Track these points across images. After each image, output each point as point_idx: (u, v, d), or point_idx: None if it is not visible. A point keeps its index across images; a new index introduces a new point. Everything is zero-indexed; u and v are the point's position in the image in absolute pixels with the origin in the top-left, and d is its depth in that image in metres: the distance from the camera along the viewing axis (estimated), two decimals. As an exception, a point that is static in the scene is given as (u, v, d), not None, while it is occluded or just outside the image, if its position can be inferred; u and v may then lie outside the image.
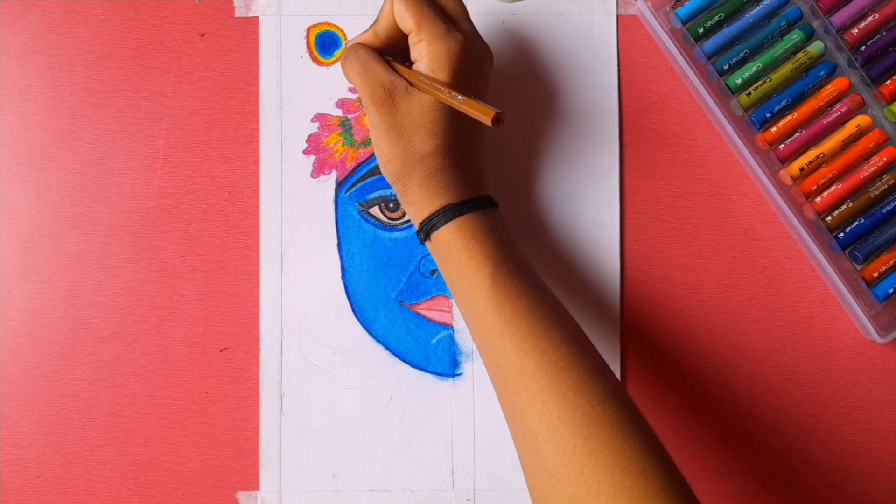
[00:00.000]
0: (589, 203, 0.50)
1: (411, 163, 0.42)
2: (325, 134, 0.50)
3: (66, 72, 0.50)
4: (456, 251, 0.42)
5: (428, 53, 0.42)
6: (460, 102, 0.40)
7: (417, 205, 0.43)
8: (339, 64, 0.50)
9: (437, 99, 0.41)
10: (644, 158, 0.50)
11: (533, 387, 0.38)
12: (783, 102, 0.48)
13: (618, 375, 0.49)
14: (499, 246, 0.42)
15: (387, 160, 0.42)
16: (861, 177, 0.48)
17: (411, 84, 0.42)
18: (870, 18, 0.48)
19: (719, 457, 0.49)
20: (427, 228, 0.42)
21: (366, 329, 0.50)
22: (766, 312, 0.50)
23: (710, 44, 0.48)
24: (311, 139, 0.50)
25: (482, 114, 0.39)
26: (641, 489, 0.36)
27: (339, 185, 0.50)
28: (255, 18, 0.50)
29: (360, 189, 0.50)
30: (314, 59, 0.50)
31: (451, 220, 0.42)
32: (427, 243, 0.44)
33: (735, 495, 0.49)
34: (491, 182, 0.46)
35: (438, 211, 0.42)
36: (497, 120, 0.39)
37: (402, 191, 0.43)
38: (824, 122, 0.48)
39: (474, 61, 0.43)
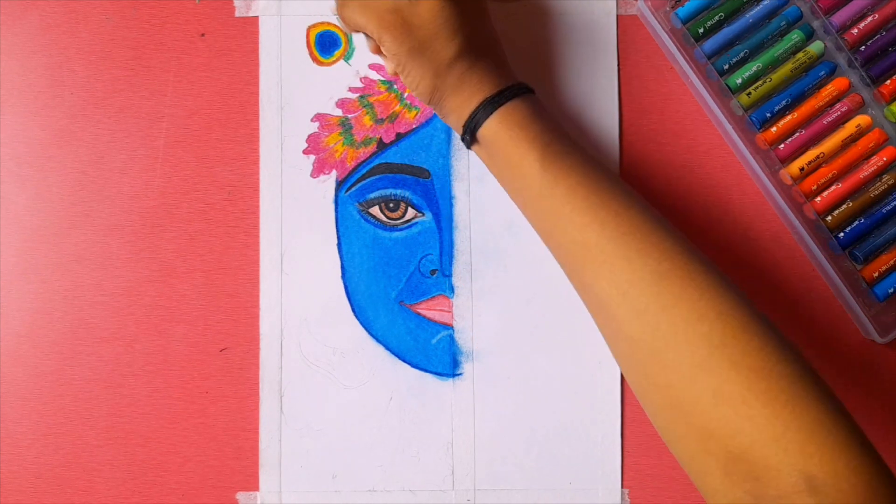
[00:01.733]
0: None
1: (442, 73, 0.42)
2: (325, 134, 0.50)
3: (66, 72, 0.50)
4: (501, 143, 0.42)
5: None
6: None
7: (457, 110, 0.43)
8: (339, 63, 0.50)
9: None
10: (644, 158, 0.50)
11: (598, 258, 0.39)
12: (783, 102, 0.48)
13: (618, 376, 0.49)
14: (543, 129, 0.42)
15: (418, 82, 0.43)
16: (861, 177, 0.48)
17: None
18: (870, 18, 0.48)
19: (719, 457, 0.49)
20: (471, 128, 0.43)
21: (366, 329, 0.50)
22: (767, 312, 0.50)
23: (710, 44, 0.48)
24: (311, 139, 0.50)
25: None
26: (720, 332, 0.36)
27: (339, 184, 0.50)
28: (255, 18, 0.50)
29: (360, 189, 0.50)
30: (314, 59, 0.50)
31: (492, 112, 0.42)
32: (474, 147, 0.44)
33: (735, 495, 0.49)
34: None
35: (478, 107, 0.42)
36: None
37: (439, 104, 0.43)
38: (824, 122, 0.48)
39: None
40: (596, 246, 0.39)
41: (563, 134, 0.43)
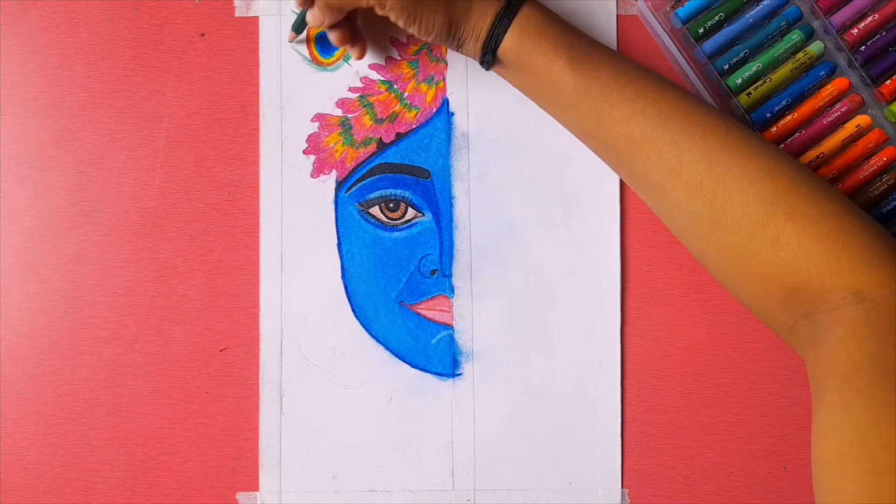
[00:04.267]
0: (590, 203, 0.50)
1: (450, 4, 0.42)
2: (325, 134, 0.50)
3: (66, 72, 0.50)
4: (526, 55, 0.43)
5: None
6: None
7: (473, 33, 0.43)
8: (339, 64, 0.50)
9: None
10: (644, 158, 0.50)
11: (645, 147, 0.41)
12: (783, 102, 0.48)
13: (618, 376, 0.49)
14: (562, 31, 0.43)
15: (433, 22, 0.43)
16: (861, 177, 0.48)
17: None
18: (870, 18, 0.48)
19: (720, 456, 0.49)
20: (492, 47, 0.43)
21: (366, 329, 0.50)
22: (767, 312, 0.50)
23: (710, 44, 0.48)
24: (311, 139, 0.50)
25: None
26: (771, 189, 0.39)
27: (339, 184, 0.50)
28: (255, 18, 0.50)
29: (360, 189, 0.50)
30: (314, 59, 0.50)
31: (509, 25, 0.42)
32: (495, 68, 0.44)
33: (735, 495, 0.49)
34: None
35: (493, 23, 0.43)
36: None
37: (455, 35, 0.44)
38: (824, 122, 0.48)
39: None
40: (641, 136, 0.41)
41: (578, 31, 0.43)
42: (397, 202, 0.50)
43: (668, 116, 0.41)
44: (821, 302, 0.38)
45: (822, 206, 0.39)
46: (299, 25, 0.48)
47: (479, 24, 0.43)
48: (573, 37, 0.43)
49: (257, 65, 0.50)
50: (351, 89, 0.50)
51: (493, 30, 0.43)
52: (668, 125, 0.41)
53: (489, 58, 0.44)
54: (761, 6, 0.48)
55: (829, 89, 0.48)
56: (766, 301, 0.41)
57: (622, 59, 0.43)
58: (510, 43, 0.42)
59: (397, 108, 0.50)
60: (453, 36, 0.44)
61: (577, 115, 0.43)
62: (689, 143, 0.40)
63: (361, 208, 0.50)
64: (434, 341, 0.50)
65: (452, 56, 0.50)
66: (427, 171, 0.50)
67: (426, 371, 0.50)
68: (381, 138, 0.50)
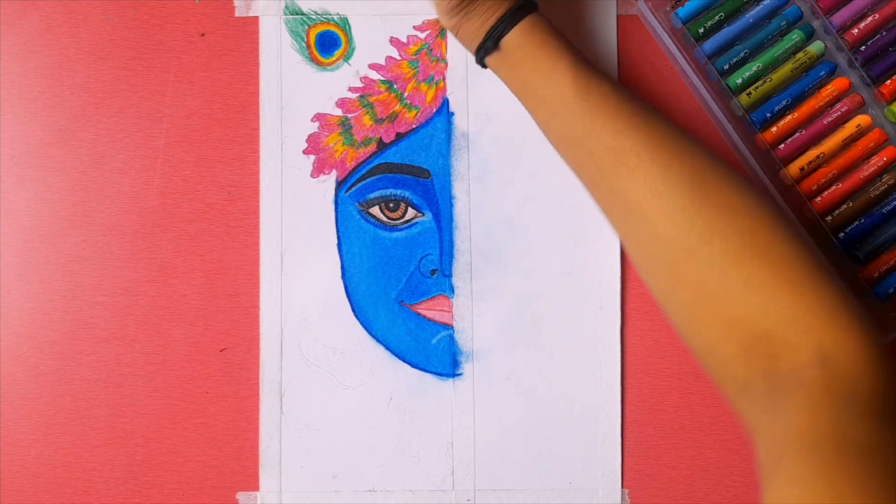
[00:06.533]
0: (590, 202, 0.50)
1: None
2: (325, 134, 0.50)
3: (66, 72, 0.50)
4: (531, 50, 0.42)
5: None
6: None
7: (484, 15, 0.43)
8: (338, 64, 0.50)
9: None
10: (644, 158, 0.50)
11: (632, 162, 0.40)
12: (783, 102, 0.48)
13: (618, 376, 0.49)
14: (570, 42, 0.43)
15: None
16: (861, 177, 0.48)
17: None
18: (870, 18, 0.48)
19: (720, 456, 0.49)
20: (496, 36, 0.43)
21: (366, 329, 0.50)
22: (767, 312, 0.50)
23: (710, 44, 0.48)
24: (311, 139, 0.50)
25: None
26: (750, 226, 0.38)
27: (339, 184, 0.50)
28: (255, 18, 0.50)
29: (360, 189, 0.50)
30: (314, 59, 0.50)
31: (519, 21, 0.42)
32: (495, 55, 0.43)
33: (735, 495, 0.49)
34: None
35: (505, 15, 0.42)
36: None
37: (459, 19, 0.43)
38: (824, 122, 0.48)
39: None
40: (631, 150, 0.40)
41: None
42: (397, 202, 0.50)
43: (660, 137, 0.41)
44: (785, 357, 0.37)
45: (796, 253, 0.38)
46: None
47: (488, 16, 0.42)
48: (579, 50, 0.43)
49: (257, 65, 0.50)
50: (351, 89, 0.50)
51: (501, 20, 0.42)
52: (658, 144, 0.40)
53: (490, 44, 0.43)
54: (761, 6, 0.48)
55: (829, 89, 0.48)
56: (723, 350, 0.39)
57: (620, 84, 0.43)
58: (516, 36, 0.42)
59: (397, 108, 0.50)
60: (457, 22, 0.43)
61: (570, 119, 0.42)
62: (677, 165, 0.40)
63: (361, 208, 0.50)
64: (434, 341, 0.50)
65: (453, 56, 0.50)
66: (427, 171, 0.50)
67: (426, 371, 0.50)
68: (381, 138, 0.50)
